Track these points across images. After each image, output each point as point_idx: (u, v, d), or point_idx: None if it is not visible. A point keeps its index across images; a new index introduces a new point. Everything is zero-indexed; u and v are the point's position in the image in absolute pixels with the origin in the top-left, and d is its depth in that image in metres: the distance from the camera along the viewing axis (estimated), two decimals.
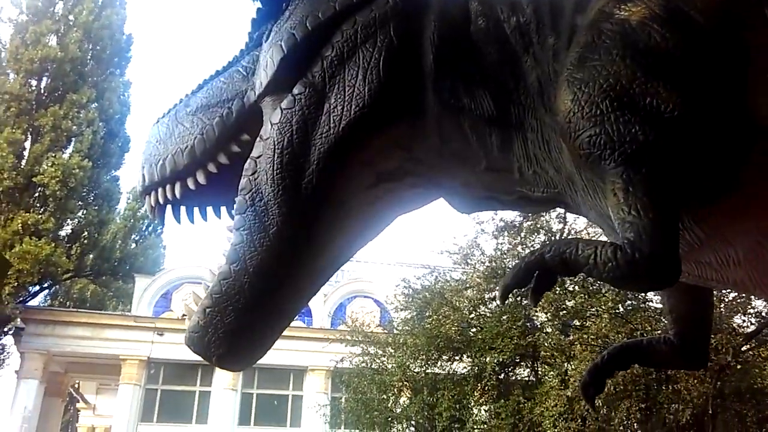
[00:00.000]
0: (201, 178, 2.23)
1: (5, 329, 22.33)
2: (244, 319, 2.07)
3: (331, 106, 1.99)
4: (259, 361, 2.27)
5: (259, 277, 2.04)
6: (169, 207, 2.37)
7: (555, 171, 1.91)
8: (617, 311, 10.83)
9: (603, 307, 10.64)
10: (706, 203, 1.64)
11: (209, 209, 2.43)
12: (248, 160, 2.09)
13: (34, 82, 23.56)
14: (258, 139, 2.09)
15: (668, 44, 1.57)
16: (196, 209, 2.41)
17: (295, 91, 2.04)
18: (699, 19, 1.57)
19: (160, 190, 2.31)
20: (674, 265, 1.50)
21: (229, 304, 2.05)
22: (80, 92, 23.87)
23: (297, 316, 2.49)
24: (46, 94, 23.73)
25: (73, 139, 23.67)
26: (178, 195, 2.27)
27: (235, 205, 2.10)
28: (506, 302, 12.58)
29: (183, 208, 2.38)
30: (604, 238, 2.05)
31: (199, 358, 2.18)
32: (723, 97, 1.55)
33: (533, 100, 1.90)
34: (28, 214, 21.13)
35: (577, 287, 11.41)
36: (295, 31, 2.08)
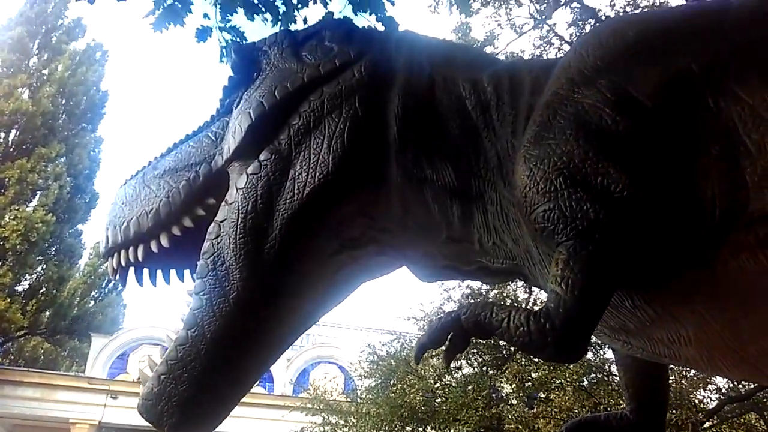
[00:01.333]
0: (164, 241, 2.21)
1: None
2: (199, 388, 2.02)
3: (296, 173, 2.02)
4: (215, 429, 2.19)
5: (216, 343, 2.00)
6: (132, 269, 2.34)
7: (513, 243, 1.95)
8: (581, 384, 10.80)
9: (567, 380, 10.60)
10: (655, 283, 1.68)
11: (172, 272, 2.41)
12: (212, 224, 2.09)
13: (2, 135, 23.31)
14: (223, 203, 2.10)
15: (618, 127, 1.63)
16: (159, 272, 2.38)
17: (262, 157, 2.07)
18: (648, 104, 1.65)
19: (123, 252, 2.28)
20: (580, 345, 1.54)
21: (185, 371, 2.01)
22: (49, 146, 23.68)
23: (258, 382, 2.45)
24: (14, 147, 23.46)
25: (39, 192, 23.32)
26: (140, 258, 2.25)
27: (196, 269, 2.09)
28: (471, 372, 12.49)
29: (146, 271, 2.36)
30: None
31: None
32: (671, 180, 1.61)
33: (493, 173, 1.95)
34: None
35: None
36: (263, 100, 2.13)
